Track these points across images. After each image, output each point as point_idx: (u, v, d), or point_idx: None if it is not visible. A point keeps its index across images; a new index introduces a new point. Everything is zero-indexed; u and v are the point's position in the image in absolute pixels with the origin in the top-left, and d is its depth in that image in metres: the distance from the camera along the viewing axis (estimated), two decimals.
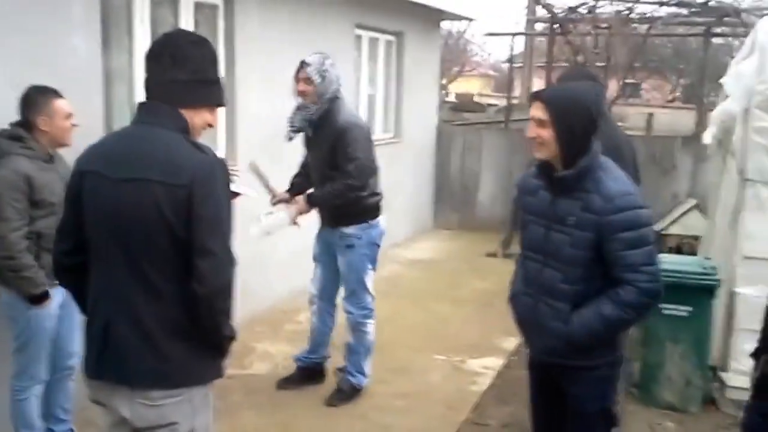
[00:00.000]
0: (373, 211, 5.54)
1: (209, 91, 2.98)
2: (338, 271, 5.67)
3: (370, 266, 5.63)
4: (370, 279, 5.67)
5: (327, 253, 5.67)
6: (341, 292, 5.73)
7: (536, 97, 3.44)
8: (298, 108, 5.35)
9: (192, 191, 2.70)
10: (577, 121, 3.27)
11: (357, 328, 5.68)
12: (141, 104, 2.92)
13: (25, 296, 4.24)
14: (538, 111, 3.35)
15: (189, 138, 2.86)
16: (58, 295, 4.32)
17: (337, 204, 5.33)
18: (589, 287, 3.32)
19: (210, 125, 3.00)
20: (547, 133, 3.31)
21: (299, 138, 5.52)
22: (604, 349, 3.41)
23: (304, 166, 5.75)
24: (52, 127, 4.31)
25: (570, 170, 3.31)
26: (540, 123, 3.33)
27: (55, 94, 4.35)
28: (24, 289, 4.22)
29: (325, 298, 5.84)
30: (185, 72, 2.87)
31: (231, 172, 3.07)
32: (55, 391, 4.67)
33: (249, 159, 5.64)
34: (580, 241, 3.29)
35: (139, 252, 2.74)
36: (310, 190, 5.42)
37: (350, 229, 5.46)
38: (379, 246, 5.65)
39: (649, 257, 3.21)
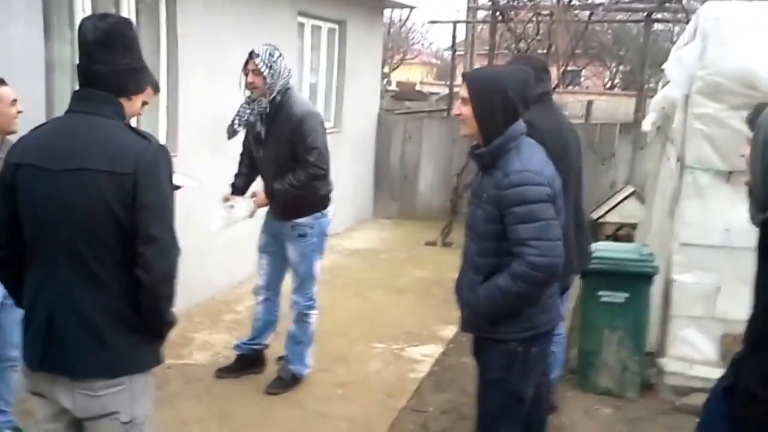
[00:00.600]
0: (325, 201, 5.55)
1: (148, 74, 3.04)
2: (285, 262, 5.66)
3: (319, 256, 5.63)
4: (318, 269, 5.67)
5: (274, 244, 5.64)
6: (288, 282, 5.70)
7: (463, 76, 3.72)
8: (248, 102, 5.30)
9: (137, 179, 2.68)
10: (494, 101, 3.41)
11: (301, 318, 5.67)
12: (76, 92, 2.88)
13: None
14: (463, 89, 3.54)
15: (129, 125, 2.84)
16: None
17: (299, 195, 5.31)
18: (501, 261, 3.40)
19: (145, 102, 3.01)
20: (467, 111, 3.47)
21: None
22: (511, 323, 3.48)
23: (245, 165, 5.71)
24: None
25: (484, 148, 3.48)
26: (463, 101, 3.51)
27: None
28: None
29: (272, 288, 5.83)
30: (135, 59, 2.89)
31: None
32: None
33: (190, 147, 5.60)
34: (489, 215, 3.42)
35: (80, 243, 2.71)
36: (277, 183, 5.31)
37: (302, 219, 5.44)
38: (326, 236, 5.65)
39: (538, 232, 3.29)
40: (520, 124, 3.46)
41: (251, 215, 5.44)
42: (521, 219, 3.30)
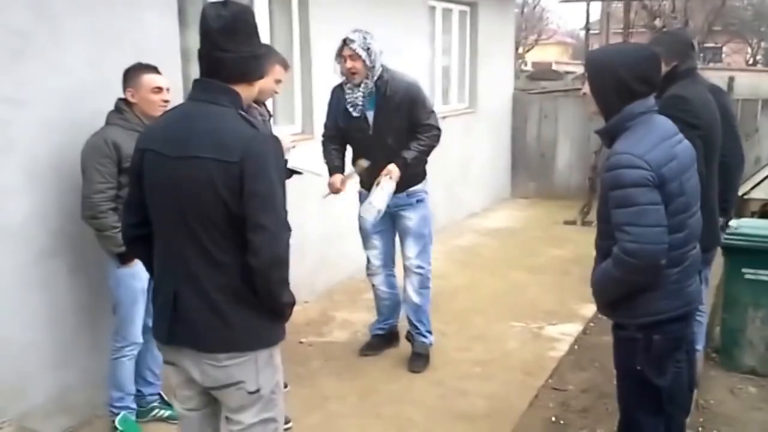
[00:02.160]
0: (426, 168, 5.69)
1: (271, 56, 3.12)
2: (394, 239, 5.78)
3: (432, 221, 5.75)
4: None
5: (383, 221, 5.64)
6: (410, 251, 5.72)
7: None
8: (351, 89, 5.38)
9: (243, 168, 2.75)
10: (605, 79, 3.36)
11: (424, 284, 5.75)
12: (196, 81, 2.99)
13: (111, 255, 4.47)
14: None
15: (242, 114, 2.92)
16: None
17: (422, 161, 5.46)
18: (612, 245, 3.31)
19: (279, 81, 3.10)
20: (588, 90, 3.46)
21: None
22: (625, 308, 3.41)
23: (336, 149, 5.69)
24: (139, 99, 4.49)
25: (602, 127, 3.47)
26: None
27: (146, 69, 4.54)
28: (107, 247, 4.46)
29: (389, 265, 5.93)
30: (256, 46, 2.98)
31: (287, 147, 3.12)
32: (143, 353, 4.82)
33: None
34: (602, 197, 3.39)
35: (197, 226, 2.83)
36: (406, 153, 5.35)
37: (418, 186, 5.58)
38: None
39: (634, 217, 3.18)
40: (642, 104, 3.34)
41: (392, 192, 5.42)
42: (618, 203, 3.23)
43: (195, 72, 5.83)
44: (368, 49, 5.23)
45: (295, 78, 7.16)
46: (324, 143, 5.71)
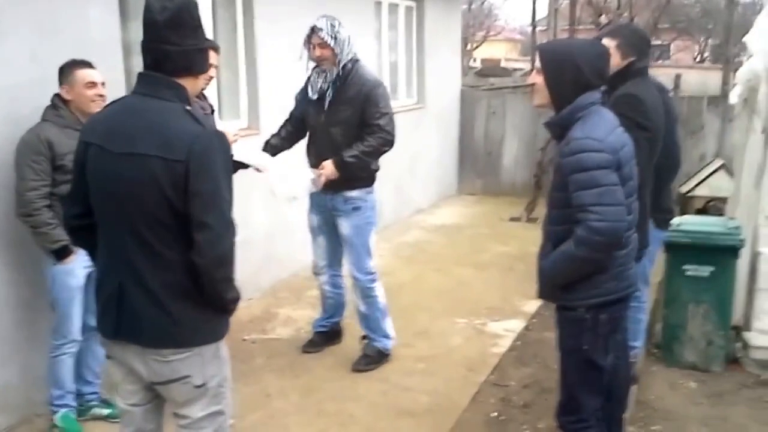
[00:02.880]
0: (374, 176, 5.59)
1: (207, 53, 3.08)
2: (339, 240, 5.69)
3: (373, 229, 5.67)
4: (373, 242, 5.69)
5: (327, 223, 5.64)
6: (346, 259, 5.73)
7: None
8: (318, 73, 5.36)
9: (189, 166, 2.73)
10: (564, 70, 3.44)
11: (367, 293, 5.69)
12: (141, 75, 2.93)
13: (46, 252, 4.43)
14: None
15: (188, 110, 2.88)
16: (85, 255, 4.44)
17: (363, 165, 5.36)
18: (569, 229, 3.41)
19: (212, 65, 3.07)
20: (540, 80, 3.53)
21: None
22: (579, 290, 3.50)
23: (286, 130, 5.68)
24: (74, 95, 4.45)
25: (553, 117, 3.54)
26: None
27: (80, 64, 4.49)
28: (43, 244, 4.42)
29: (334, 266, 5.88)
30: (200, 40, 2.95)
31: (233, 141, 3.09)
32: (84, 352, 4.78)
33: (273, 127, 5.67)
34: (557, 183, 3.47)
35: (141, 223, 2.80)
36: (345, 151, 5.30)
37: (355, 192, 5.47)
38: (376, 210, 5.69)
39: (599, 197, 3.30)
40: (592, 95, 3.46)
41: (318, 188, 5.39)
42: (582, 185, 3.31)
43: (137, 65, 5.74)
44: (336, 36, 5.20)
45: (240, 73, 7.13)
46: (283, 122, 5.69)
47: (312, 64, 5.39)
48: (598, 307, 3.52)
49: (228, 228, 2.84)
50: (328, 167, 5.29)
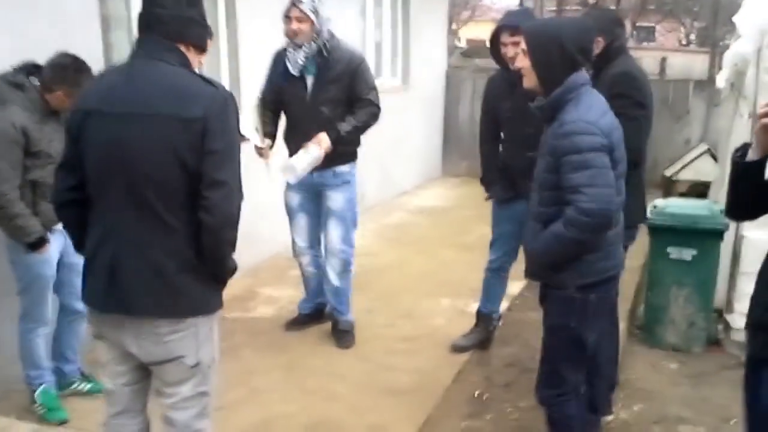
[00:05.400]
0: (357, 152, 5.60)
1: (207, 31, 3.03)
2: (319, 219, 5.65)
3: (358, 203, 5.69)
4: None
5: (310, 200, 5.61)
6: (333, 233, 5.61)
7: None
8: (295, 48, 5.25)
9: (206, 125, 2.72)
10: (550, 51, 3.41)
11: (346, 268, 5.68)
12: (141, 39, 2.90)
13: (20, 243, 4.31)
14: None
15: (195, 71, 2.88)
16: (58, 240, 4.40)
17: (354, 138, 5.37)
18: (560, 210, 3.42)
19: (201, 63, 3.05)
20: (527, 63, 3.49)
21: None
22: (569, 270, 3.51)
23: (269, 115, 5.54)
24: (60, 101, 4.27)
25: (544, 100, 3.50)
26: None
27: (86, 72, 4.26)
28: (15, 238, 4.29)
29: (314, 246, 5.84)
30: (199, 15, 2.94)
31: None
32: (66, 333, 4.77)
33: (253, 98, 5.58)
34: (549, 165, 3.45)
35: (146, 187, 2.76)
36: (340, 125, 5.23)
37: (345, 167, 5.47)
38: None
39: (590, 179, 3.30)
40: (581, 75, 3.45)
41: (318, 162, 5.27)
42: (575, 167, 3.31)
43: (117, 39, 5.76)
44: (316, 11, 5.14)
45: (221, 59, 7.06)
46: (259, 108, 5.48)
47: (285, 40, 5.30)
48: (588, 287, 3.53)
49: (239, 187, 2.84)
50: (325, 140, 5.19)
